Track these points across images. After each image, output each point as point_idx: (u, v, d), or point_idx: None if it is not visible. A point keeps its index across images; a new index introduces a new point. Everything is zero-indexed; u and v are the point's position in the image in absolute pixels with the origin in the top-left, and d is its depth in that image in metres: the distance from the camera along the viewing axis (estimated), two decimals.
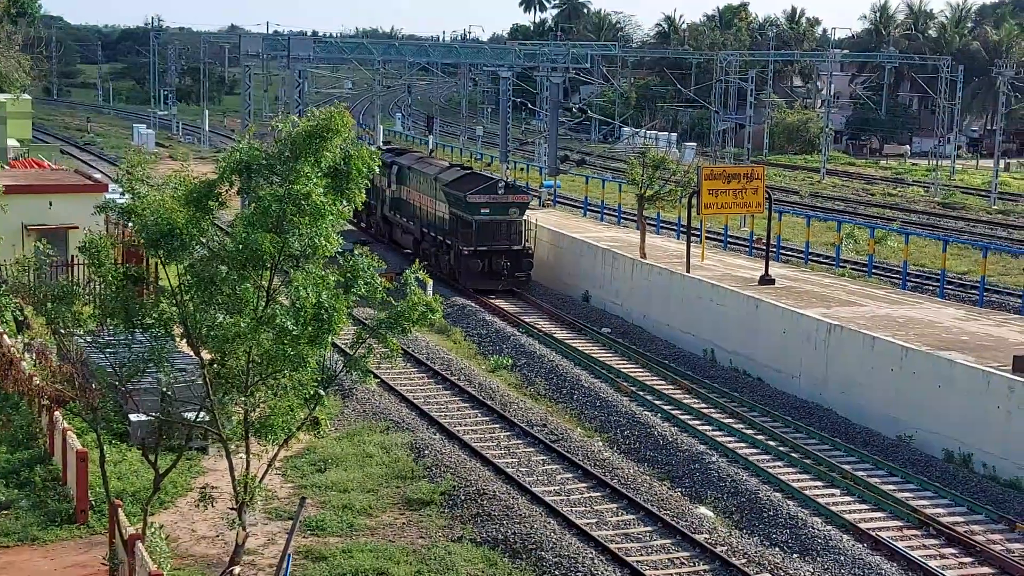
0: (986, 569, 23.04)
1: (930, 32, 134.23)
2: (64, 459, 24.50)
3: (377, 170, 18.15)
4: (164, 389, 19.86)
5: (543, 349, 37.90)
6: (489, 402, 32.59)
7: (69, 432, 24.17)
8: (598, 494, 26.17)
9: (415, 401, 32.45)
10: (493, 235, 45.03)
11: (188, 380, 21.28)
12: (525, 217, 46.48)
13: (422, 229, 50.34)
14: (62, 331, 20.55)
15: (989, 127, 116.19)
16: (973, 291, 45.51)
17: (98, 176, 56.30)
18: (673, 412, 32.03)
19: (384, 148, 63.41)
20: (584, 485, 26.68)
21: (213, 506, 19.83)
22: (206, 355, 17.85)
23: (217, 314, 16.71)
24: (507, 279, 45.25)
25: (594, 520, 24.56)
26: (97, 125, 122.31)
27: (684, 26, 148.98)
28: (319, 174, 16.74)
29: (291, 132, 16.98)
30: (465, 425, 30.84)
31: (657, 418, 31.29)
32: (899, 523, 25.13)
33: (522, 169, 76.60)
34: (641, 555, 22.97)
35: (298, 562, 21.38)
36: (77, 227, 37.46)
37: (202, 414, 18.99)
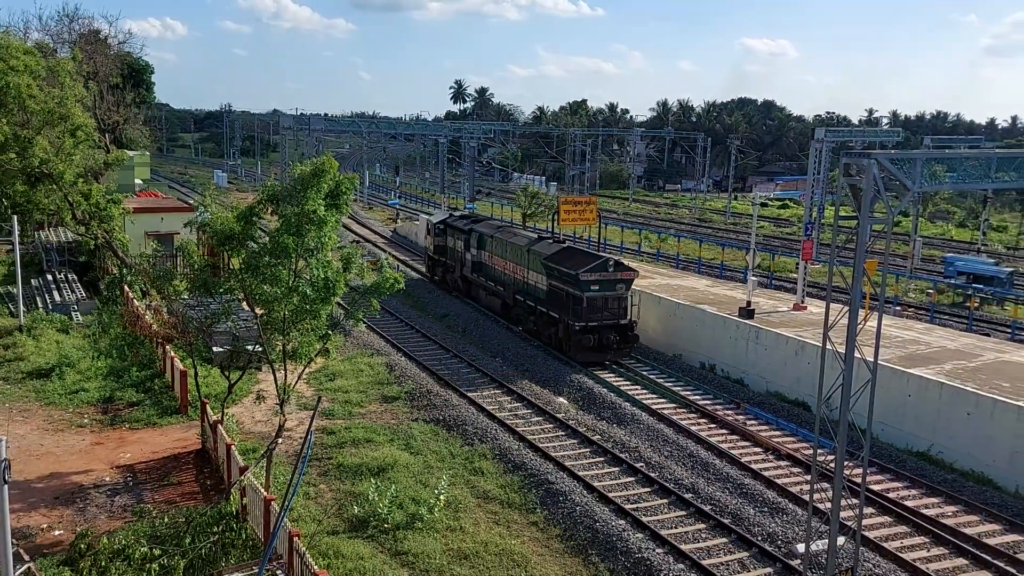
0: (723, 430, 23.58)
1: (692, 118, 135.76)
2: (172, 375, 23.87)
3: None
4: (233, 331, 19.38)
5: (466, 308, 37.63)
6: (434, 338, 32.34)
7: (174, 359, 23.54)
8: (499, 391, 26.18)
9: (389, 337, 32.09)
10: (602, 311, 29.35)
11: (248, 326, 20.81)
12: (630, 292, 30.25)
13: (514, 296, 34.13)
14: (169, 297, 19.94)
15: (725, 174, 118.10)
16: (716, 269, 46.33)
17: (191, 202, 54.61)
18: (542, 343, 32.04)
19: (458, 215, 44.17)
20: (491, 386, 26.66)
21: (264, 402, 19.50)
22: (259, 311, 17.41)
23: (263, 285, 16.29)
24: (615, 352, 29.50)
25: (496, 406, 24.58)
26: (191, 171, 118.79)
27: (550, 113, 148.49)
28: (321, 197, 16.37)
29: (300, 173, 16.62)
30: (420, 351, 30.60)
31: (532, 346, 31.29)
32: (674, 405, 25.57)
33: (453, 198, 75.96)
34: (526, 426, 23.08)
35: (317, 436, 21.13)
36: (178, 232, 36.97)
37: (257, 347, 18.56)
